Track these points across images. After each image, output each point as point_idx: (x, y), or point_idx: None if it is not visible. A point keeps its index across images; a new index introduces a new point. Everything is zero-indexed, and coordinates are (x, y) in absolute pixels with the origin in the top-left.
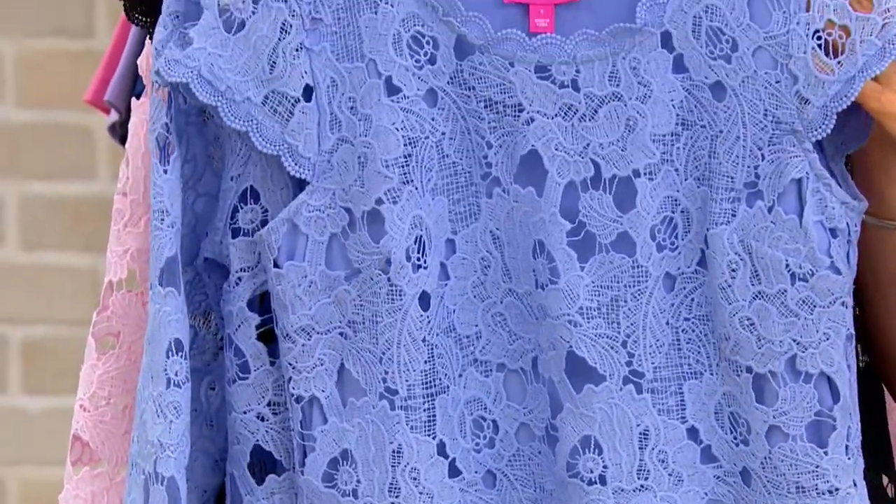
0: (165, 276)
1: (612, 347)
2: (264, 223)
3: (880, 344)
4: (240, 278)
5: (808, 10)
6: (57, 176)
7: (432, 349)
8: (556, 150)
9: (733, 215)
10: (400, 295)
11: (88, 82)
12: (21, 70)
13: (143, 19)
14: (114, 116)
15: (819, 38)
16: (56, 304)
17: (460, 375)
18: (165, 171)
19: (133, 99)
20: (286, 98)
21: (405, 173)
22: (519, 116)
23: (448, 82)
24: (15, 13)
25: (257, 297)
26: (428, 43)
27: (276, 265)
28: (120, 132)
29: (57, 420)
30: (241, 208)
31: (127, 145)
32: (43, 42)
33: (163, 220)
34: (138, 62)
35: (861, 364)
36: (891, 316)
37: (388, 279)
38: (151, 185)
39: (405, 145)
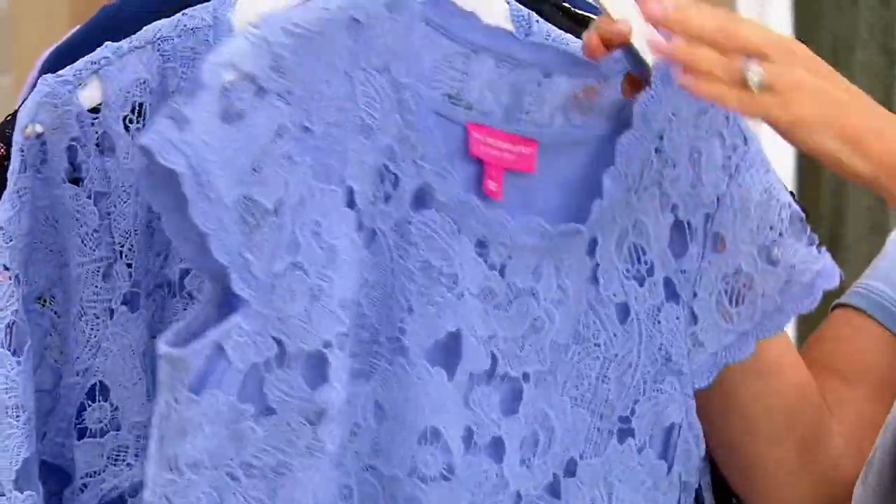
0: (22, 479)
1: None
2: (114, 422)
3: None
4: (85, 485)
5: (721, 251)
6: None
7: None
8: (471, 334)
9: (604, 449)
10: (322, 452)
11: None
12: None
13: None
14: None
15: (727, 282)
16: None
17: None
18: (19, 363)
19: None
20: (258, 207)
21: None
22: (453, 289)
23: (392, 228)
24: None
25: None
26: (390, 180)
27: (191, 390)
28: None
29: None
30: (89, 406)
31: None
32: None
33: (18, 416)
34: None
35: None
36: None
37: (315, 433)
38: (2, 379)
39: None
